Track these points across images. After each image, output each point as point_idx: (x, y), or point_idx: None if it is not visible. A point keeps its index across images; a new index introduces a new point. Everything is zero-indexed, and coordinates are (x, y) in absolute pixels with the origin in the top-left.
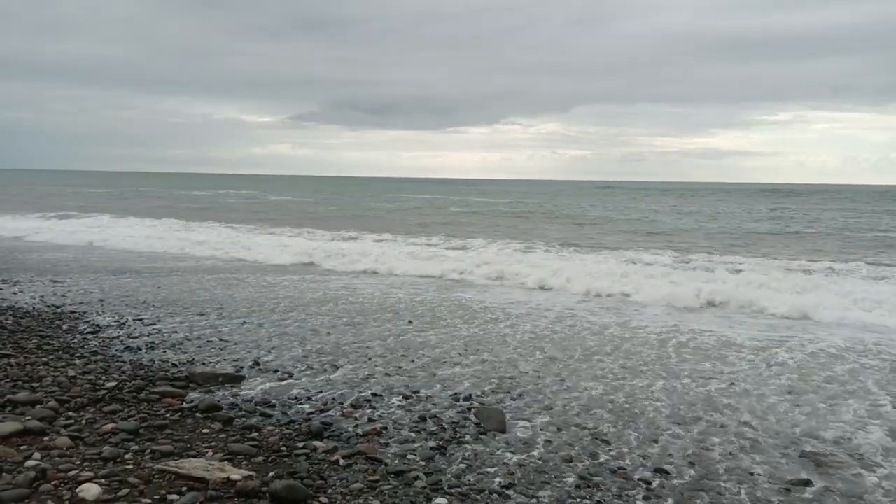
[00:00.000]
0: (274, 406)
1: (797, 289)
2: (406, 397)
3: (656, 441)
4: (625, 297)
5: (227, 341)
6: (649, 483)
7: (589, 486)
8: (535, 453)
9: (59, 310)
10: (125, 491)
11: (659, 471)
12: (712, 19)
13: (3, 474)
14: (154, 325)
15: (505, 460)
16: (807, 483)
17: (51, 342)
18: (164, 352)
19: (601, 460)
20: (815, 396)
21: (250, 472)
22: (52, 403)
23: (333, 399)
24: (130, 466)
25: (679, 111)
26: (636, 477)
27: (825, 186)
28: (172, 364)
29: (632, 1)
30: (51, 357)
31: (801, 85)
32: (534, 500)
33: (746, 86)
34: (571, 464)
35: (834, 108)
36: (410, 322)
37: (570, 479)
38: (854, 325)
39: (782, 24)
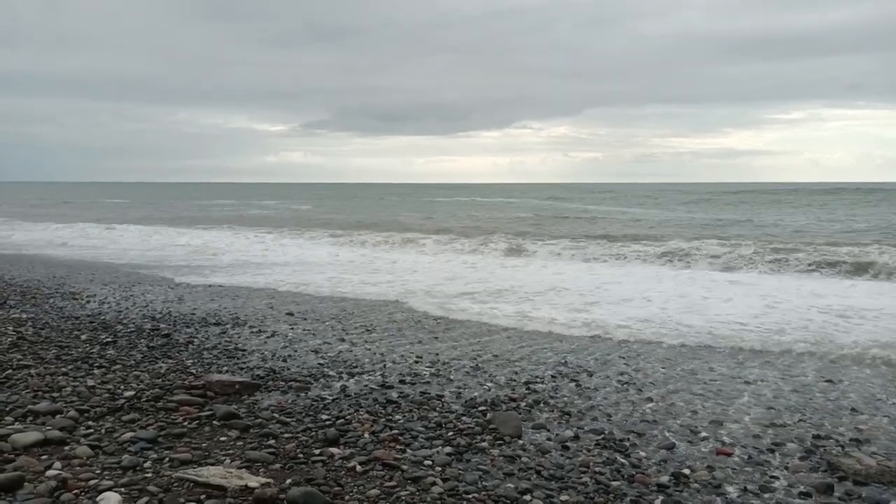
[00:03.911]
0: (290, 413)
1: None
2: (420, 404)
3: (673, 446)
4: None
5: (243, 350)
6: (667, 488)
7: (607, 492)
8: (552, 459)
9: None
10: (145, 499)
11: (676, 475)
12: (723, 18)
13: (25, 484)
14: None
15: (521, 466)
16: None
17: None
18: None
19: (618, 465)
20: None
21: (268, 480)
22: (72, 413)
23: (349, 406)
24: (150, 475)
25: (691, 111)
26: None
27: (866, 184)
28: (189, 373)
29: (642, 2)
30: (70, 367)
31: (814, 83)
32: None
33: (759, 85)
34: (588, 469)
35: (848, 106)
36: None
37: (588, 485)
38: None
39: (794, 22)
